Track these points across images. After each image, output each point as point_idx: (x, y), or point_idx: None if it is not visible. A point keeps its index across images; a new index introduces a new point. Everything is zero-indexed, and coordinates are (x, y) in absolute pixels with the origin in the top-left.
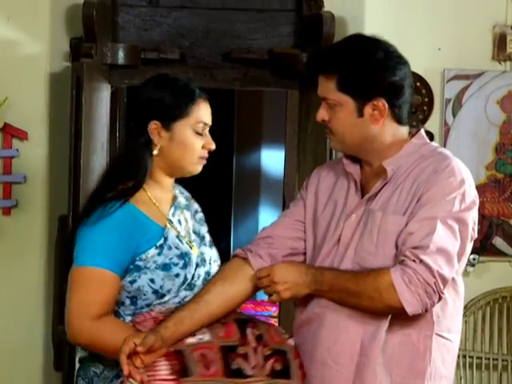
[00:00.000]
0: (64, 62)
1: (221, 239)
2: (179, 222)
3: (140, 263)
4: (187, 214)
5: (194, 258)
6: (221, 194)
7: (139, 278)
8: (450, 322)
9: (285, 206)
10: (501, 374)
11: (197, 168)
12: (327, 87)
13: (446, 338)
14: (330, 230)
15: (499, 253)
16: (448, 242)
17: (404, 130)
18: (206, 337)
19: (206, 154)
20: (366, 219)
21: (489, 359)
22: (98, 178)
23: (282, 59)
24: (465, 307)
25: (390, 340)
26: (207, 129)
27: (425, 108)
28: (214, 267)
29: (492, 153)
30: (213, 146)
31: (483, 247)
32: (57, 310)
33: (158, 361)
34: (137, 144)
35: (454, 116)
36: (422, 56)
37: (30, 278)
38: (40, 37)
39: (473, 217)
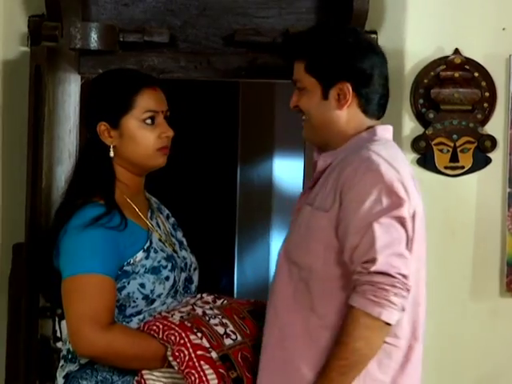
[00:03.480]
0: (20, 47)
1: (221, 272)
2: (158, 224)
3: (128, 268)
4: (161, 217)
5: (178, 261)
6: (222, 215)
7: (128, 284)
8: (395, 328)
9: None
10: None
11: (158, 161)
12: (297, 70)
13: (389, 343)
14: None
15: None
16: (391, 241)
17: (369, 124)
18: (237, 336)
19: (164, 144)
20: (300, 213)
21: None
22: (60, 197)
23: None
24: None
25: None
26: (161, 116)
27: (485, 105)
28: (196, 275)
29: None
30: (169, 134)
31: None
32: (11, 363)
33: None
34: (92, 150)
35: None
36: (481, 39)
37: None
38: None
39: (408, 211)
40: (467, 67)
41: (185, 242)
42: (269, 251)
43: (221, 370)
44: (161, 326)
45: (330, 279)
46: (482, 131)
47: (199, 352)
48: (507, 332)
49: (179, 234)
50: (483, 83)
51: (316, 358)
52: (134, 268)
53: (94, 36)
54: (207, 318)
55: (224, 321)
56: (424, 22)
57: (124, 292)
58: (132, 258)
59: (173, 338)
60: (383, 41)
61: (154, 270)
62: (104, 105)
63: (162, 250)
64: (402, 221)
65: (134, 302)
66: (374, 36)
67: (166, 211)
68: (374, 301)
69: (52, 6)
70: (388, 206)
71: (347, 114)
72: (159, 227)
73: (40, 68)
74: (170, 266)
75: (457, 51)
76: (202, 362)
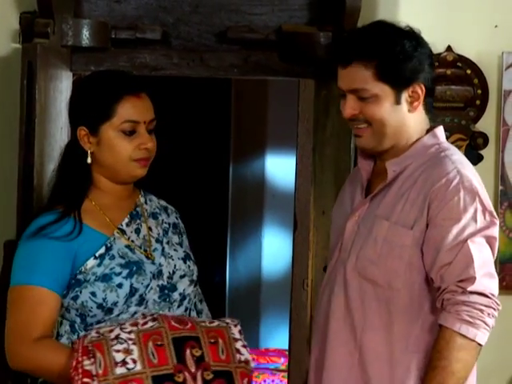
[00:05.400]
0: (12, 44)
1: (214, 270)
2: (137, 230)
3: (80, 277)
4: (151, 222)
5: (149, 268)
6: (214, 212)
7: (80, 293)
8: None
9: (296, 227)
10: None
11: (135, 172)
12: (363, 77)
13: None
14: (337, 230)
15: None
16: (485, 261)
17: (427, 121)
18: (136, 365)
19: (142, 155)
20: (369, 224)
21: None
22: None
23: (293, 40)
24: None
25: None
26: (142, 127)
27: (477, 102)
28: (182, 283)
29: None
30: (148, 145)
31: None
32: (2, 361)
33: None
34: (69, 154)
35: None
36: (474, 36)
37: None
38: None
39: (497, 229)
40: (459, 64)
41: (167, 249)
42: (261, 248)
43: None
44: (75, 346)
45: (411, 299)
46: (474, 128)
47: (85, 379)
48: (499, 330)
49: (165, 240)
50: (475, 80)
51: (399, 380)
52: (85, 276)
53: (85, 33)
54: (114, 343)
55: (131, 347)
56: (416, 18)
57: (78, 301)
58: (83, 266)
59: (72, 360)
60: None
61: (105, 278)
62: (85, 110)
63: (123, 257)
64: (491, 240)
65: (90, 311)
66: None
67: (163, 216)
68: (469, 322)
69: (44, 2)
70: (482, 225)
71: (416, 115)
72: (138, 233)
73: (32, 65)
74: (125, 273)
75: (449, 48)
76: None
